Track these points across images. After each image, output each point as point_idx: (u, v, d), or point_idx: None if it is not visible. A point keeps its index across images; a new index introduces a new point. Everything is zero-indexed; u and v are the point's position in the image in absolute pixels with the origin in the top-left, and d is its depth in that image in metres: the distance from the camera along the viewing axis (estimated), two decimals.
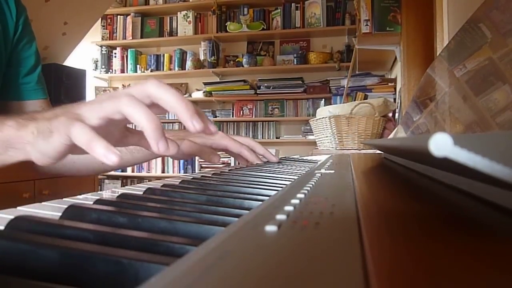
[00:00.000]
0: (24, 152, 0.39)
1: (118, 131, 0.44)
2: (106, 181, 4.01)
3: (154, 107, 0.38)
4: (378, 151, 1.22)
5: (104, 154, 0.32)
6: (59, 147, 0.36)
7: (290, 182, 0.41)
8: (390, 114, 2.05)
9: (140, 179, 3.95)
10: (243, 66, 3.81)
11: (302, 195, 0.26)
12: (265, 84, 3.77)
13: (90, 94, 3.83)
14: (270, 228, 0.17)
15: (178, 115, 0.38)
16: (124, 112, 0.36)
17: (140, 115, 0.35)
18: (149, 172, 3.95)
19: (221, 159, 4.00)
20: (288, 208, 0.21)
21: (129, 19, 4.14)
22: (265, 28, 3.82)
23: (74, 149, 0.36)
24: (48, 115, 0.38)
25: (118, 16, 4.17)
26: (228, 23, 3.89)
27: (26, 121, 0.38)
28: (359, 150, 1.82)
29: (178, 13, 4.01)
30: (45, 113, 0.39)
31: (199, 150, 0.70)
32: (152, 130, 0.35)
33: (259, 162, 0.77)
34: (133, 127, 0.46)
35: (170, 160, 3.92)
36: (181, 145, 0.69)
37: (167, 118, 4.04)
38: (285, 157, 1.10)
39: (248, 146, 0.77)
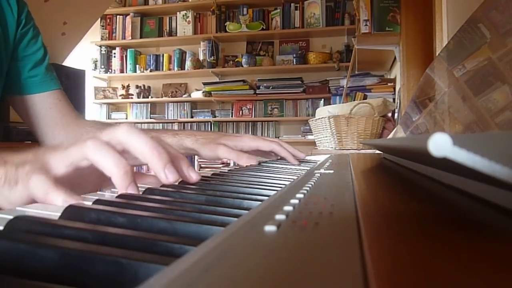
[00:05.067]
0: None
1: (95, 176, 0.41)
2: None
3: (124, 153, 0.36)
4: (378, 151, 1.22)
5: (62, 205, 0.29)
6: (24, 198, 0.33)
7: (290, 182, 0.41)
8: (390, 114, 2.05)
9: None
10: (242, 66, 3.81)
11: (301, 195, 0.26)
12: (265, 84, 3.77)
13: (89, 94, 3.82)
14: (270, 228, 0.17)
15: (149, 164, 0.36)
16: (89, 158, 0.34)
17: (107, 160, 0.33)
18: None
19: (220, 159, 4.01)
20: (288, 208, 0.21)
21: (128, 19, 4.14)
22: (264, 28, 3.82)
23: None
24: (18, 159, 0.36)
25: (118, 16, 4.17)
26: (228, 23, 3.89)
27: None
28: (359, 150, 1.82)
29: (178, 13, 4.01)
30: (16, 157, 0.36)
31: (237, 156, 0.70)
32: (120, 177, 0.33)
33: (291, 158, 0.78)
34: None
35: None
36: (218, 151, 0.70)
37: (165, 118, 4.04)
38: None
39: (278, 142, 0.79)
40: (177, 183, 0.42)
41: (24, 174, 0.33)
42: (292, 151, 0.81)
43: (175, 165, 0.37)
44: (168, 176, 0.36)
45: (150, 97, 4.12)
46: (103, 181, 0.42)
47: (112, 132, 0.36)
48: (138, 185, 0.35)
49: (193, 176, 0.40)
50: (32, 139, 0.88)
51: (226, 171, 0.60)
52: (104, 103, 4.22)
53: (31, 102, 0.82)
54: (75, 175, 0.36)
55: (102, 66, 4.18)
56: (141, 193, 0.35)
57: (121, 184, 0.33)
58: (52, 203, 0.30)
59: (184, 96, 4.02)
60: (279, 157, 0.81)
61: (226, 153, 0.70)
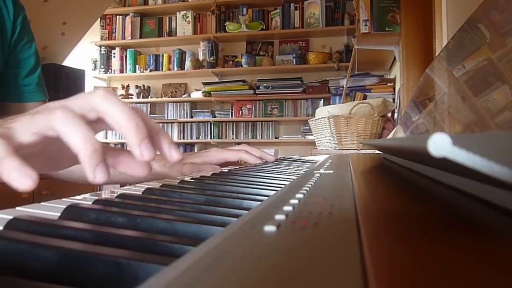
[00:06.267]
0: None
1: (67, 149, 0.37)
2: None
3: (99, 122, 0.32)
4: (377, 151, 1.22)
5: (14, 177, 0.26)
6: None
7: (289, 182, 0.41)
8: (389, 114, 2.05)
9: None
10: (242, 66, 3.81)
11: (301, 195, 0.26)
12: (264, 84, 3.77)
13: None
14: (269, 228, 0.17)
15: (125, 136, 0.31)
16: (56, 129, 0.29)
17: (75, 134, 0.29)
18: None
19: None
20: (287, 208, 0.21)
21: (128, 19, 4.14)
22: (264, 28, 3.82)
23: None
24: None
25: (117, 16, 4.17)
26: (227, 23, 3.88)
27: None
28: (358, 150, 1.82)
29: (177, 13, 4.01)
30: None
31: (199, 169, 0.71)
32: (87, 155, 0.29)
33: (259, 161, 0.80)
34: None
35: None
36: (183, 170, 0.71)
37: (165, 118, 4.04)
38: (284, 157, 1.10)
39: (244, 150, 0.80)
40: (176, 183, 0.42)
41: None
42: (260, 155, 0.83)
43: (155, 141, 0.33)
44: (143, 154, 0.31)
45: (149, 97, 4.12)
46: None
47: (87, 96, 0.32)
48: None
49: (175, 154, 0.35)
50: None
51: (226, 171, 0.60)
52: None
53: (18, 109, 0.83)
54: (46, 146, 0.32)
55: (102, 66, 4.18)
56: (140, 193, 0.35)
57: (88, 164, 0.29)
58: (3, 174, 0.27)
59: (183, 96, 4.02)
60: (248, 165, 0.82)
61: (190, 170, 0.71)
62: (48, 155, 0.32)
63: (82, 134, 0.29)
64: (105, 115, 0.31)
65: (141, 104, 4.12)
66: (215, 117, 3.96)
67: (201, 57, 4.00)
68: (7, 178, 0.26)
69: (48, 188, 2.31)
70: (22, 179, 0.26)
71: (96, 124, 0.32)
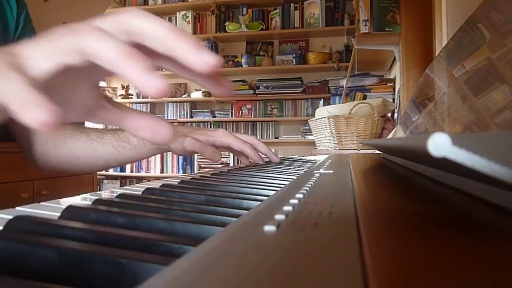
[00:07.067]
0: None
1: (90, 96, 0.30)
2: (105, 181, 4.01)
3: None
4: (377, 151, 1.22)
5: (38, 119, 0.21)
6: None
7: (289, 182, 0.41)
8: (389, 114, 2.05)
9: (139, 179, 3.94)
10: (242, 66, 3.80)
11: (301, 195, 0.26)
12: (264, 84, 3.77)
13: None
14: (269, 228, 0.17)
15: (175, 51, 0.25)
16: (87, 49, 0.23)
17: (112, 49, 0.23)
18: (148, 172, 3.95)
19: (221, 158, 3.98)
20: (287, 208, 0.21)
21: None
22: (264, 28, 3.82)
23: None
24: None
25: None
26: (227, 23, 3.88)
27: None
28: (358, 150, 1.82)
29: (177, 13, 4.01)
30: None
31: (201, 148, 0.68)
32: (133, 66, 0.23)
33: (261, 161, 0.78)
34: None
35: (169, 160, 3.92)
36: (184, 142, 0.66)
37: (165, 118, 4.04)
38: (284, 157, 1.10)
39: (251, 144, 0.76)
40: (176, 183, 0.42)
41: None
42: (265, 152, 0.80)
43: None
44: (204, 59, 0.25)
45: (149, 97, 4.12)
46: (101, 108, 0.32)
47: (118, 16, 0.26)
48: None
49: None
50: None
51: (226, 171, 0.60)
52: None
53: None
54: (58, 84, 0.26)
55: None
56: (140, 193, 0.35)
57: (135, 71, 0.23)
58: (29, 119, 0.21)
59: (183, 96, 4.02)
60: (250, 160, 0.79)
61: (191, 144, 0.67)
62: (59, 99, 0.25)
63: (120, 49, 0.23)
64: (144, 35, 0.26)
65: (141, 104, 4.12)
66: (215, 117, 3.96)
67: None
68: (30, 124, 0.21)
69: (48, 188, 2.31)
70: (39, 111, 0.21)
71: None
